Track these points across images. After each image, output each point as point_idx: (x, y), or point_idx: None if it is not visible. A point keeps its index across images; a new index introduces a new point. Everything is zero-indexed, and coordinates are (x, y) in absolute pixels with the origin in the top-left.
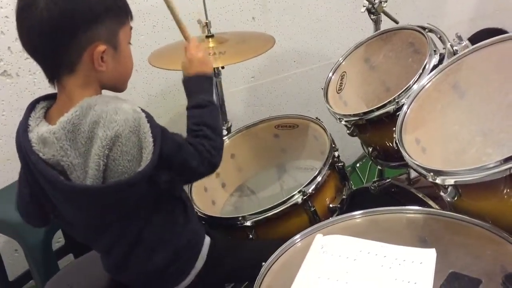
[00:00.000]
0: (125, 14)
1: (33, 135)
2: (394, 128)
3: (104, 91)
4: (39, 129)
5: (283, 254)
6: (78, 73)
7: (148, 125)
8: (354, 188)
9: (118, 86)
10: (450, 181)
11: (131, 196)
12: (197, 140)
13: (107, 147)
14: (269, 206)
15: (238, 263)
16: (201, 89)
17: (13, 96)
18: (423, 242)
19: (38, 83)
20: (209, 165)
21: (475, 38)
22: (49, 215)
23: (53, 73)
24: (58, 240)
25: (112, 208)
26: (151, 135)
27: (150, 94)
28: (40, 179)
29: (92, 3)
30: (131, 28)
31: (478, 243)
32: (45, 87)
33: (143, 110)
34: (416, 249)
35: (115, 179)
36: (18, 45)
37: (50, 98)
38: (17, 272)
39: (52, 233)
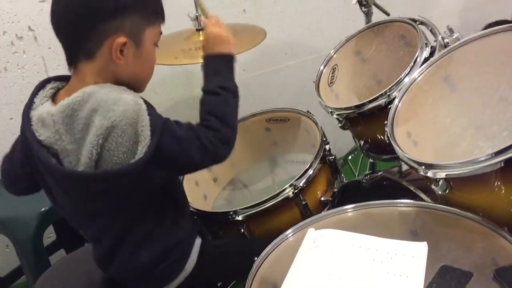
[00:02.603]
0: (155, 14)
1: (34, 113)
2: (386, 122)
3: None
4: (42, 109)
5: (275, 249)
6: (96, 61)
7: (147, 118)
8: (346, 181)
9: (134, 84)
10: (441, 174)
11: (119, 187)
12: (203, 131)
13: (102, 136)
14: (260, 200)
15: (230, 262)
16: (217, 71)
17: (1, 91)
18: (414, 235)
19: (27, 77)
20: (214, 156)
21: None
22: (37, 183)
23: (72, 57)
24: (50, 235)
25: (99, 197)
26: (149, 128)
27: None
28: (34, 158)
29: None
30: (161, 32)
31: (469, 236)
32: (35, 82)
33: (146, 102)
34: (408, 243)
35: (104, 168)
36: (5, 39)
37: (63, 80)
38: (8, 268)
39: (43, 229)
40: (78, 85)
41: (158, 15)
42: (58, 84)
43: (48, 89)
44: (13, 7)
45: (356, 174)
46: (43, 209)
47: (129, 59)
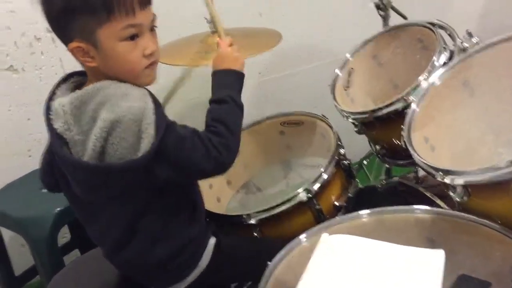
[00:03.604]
0: (105, 12)
1: (53, 104)
2: (402, 126)
3: None
4: (60, 99)
5: (288, 253)
6: (82, 63)
7: (153, 116)
8: (361, 186)
9: (129, 81)
10: (459, 180)
11: (122, 181)
12: (209, 137)
13: (105, 129)
14: (274, 204)
15: (244, 263)
16: (227, 84)
17: (18, 91)
18: (431, 243)
19: (45, 79)
20: (216, 163)
21: None
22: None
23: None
24: (64, 235)
25: (103, 188)
26: (153, 126)
27: (157, 89)
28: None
29: (66, 1)
30: (130, 25)
31: (487, 244)
32: (52, 83)
33: (155, 101)
34: (425, 250)
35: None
36: (24, 40)
37: (85, 75)
38: (23, 267)
39: (58, 229)
40: (90, 80)
41: (110, 11)
42: (81, 79)
43: (70, 83)
44: (32, 8)
45: (371, 179)
46: (58, 209)
47: (98, 60)
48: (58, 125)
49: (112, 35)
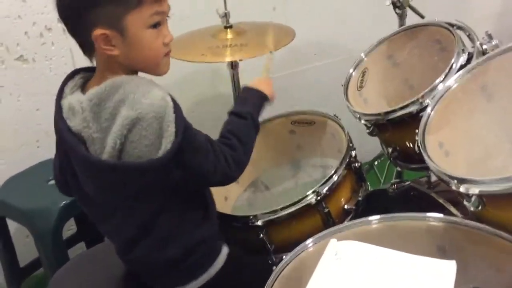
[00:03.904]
0: None
1: (64, 102)
2: (417, 130)
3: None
4: (72, 97)
5: (294, 258)
6: (98, 54)
7: (174, 115)
8: (371, 189)
9: (148, 70)
10: (474, 190)
11: (141, 181)
12: (222, 148)
13: (127, 127)
14: (281, 206)
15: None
16: (252, 102)
17: (28, 81)
18: (442, 252)
19: (55, 69)
20: (224, 175)
21: None
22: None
23: (85, 51)
24: (71, 227)
25: (120, 187)
26: (174, 125)
27: (167, 83)
28: (65, 146)
29: None
30: (156, 12)
31: (501, 256)
32: (62, 73)
33: (174, 100)
34: (435, 260)
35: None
36: (35, 30)
37: (91, 71)
38: (28, 258)
39: (63, 222)
40: (100, 76)
41: None
42: (88, 75)
43: (78, 79)
44: None
45: (382, 181)
46: (64, 202)
47: (121, 48)
48: (75, 122)
49: (140, 22)
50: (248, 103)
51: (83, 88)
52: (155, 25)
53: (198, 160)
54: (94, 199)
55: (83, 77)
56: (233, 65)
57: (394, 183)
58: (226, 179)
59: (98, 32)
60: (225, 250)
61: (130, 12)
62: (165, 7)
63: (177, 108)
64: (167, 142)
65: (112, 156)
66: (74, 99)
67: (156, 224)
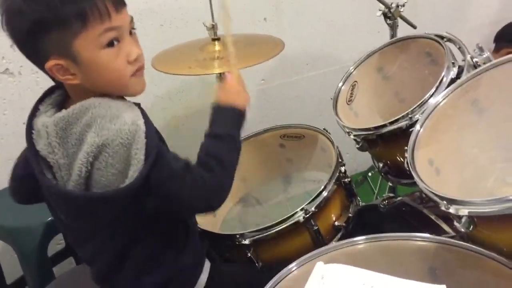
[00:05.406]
0: (78, 21)
1: (36, 121)
2: (406, 148)
3: None
4: (40, 119)
5: (279, 283)
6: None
7: (144, 141)
8: (362, 205)
9: (117, 92)
10: (464, 211)
11: (110, 211)
12: (200, 171)
13: (92, 154)
14: (269, 224)
15: None
16: (227, 121)
17: (14, 95)
18: (433, 275)
19: (41, 82)
20: (205, 200)
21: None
22: (36, 195)
23: (50, 78)
24: (60, 241)
25: (89, 217)
26: (143, 152)
27: (156, 95)
28: (33, 170)
29: (32, 18)
30: (107, 29)
31: (493, 281)
32: (48, 87)
33: (148, 123)
34: (425, 285)
35: (92, 191)
36: None
37: None
38: (15, 275)
39: (48, 240)
40: (74, 98)
41: (84, 18)
42: (67, 92)
43: (56, 96)
44: None
45: (376, 192)
46: (49, 219)
47: (80, 75)
48: (40, 146)
49: (90, 44)
50: (224, 123)
51: (63, 105)
52: (111, 44)
53: (172, 187)
54: (67, 224)
55: (61, 94)
56: (222, 77)
57: (386, 199)
58: (208, 204)
59: (51, 63)
60: (207, 266)
61: (77, 36)
62: (119, 21)
63: (150, 133)
64: (134, 170)
65: (78, 184)
66: (41, 121)
67: (132, 252)
